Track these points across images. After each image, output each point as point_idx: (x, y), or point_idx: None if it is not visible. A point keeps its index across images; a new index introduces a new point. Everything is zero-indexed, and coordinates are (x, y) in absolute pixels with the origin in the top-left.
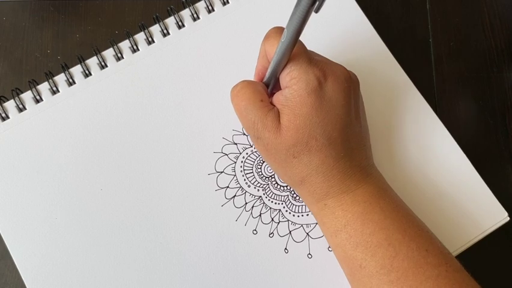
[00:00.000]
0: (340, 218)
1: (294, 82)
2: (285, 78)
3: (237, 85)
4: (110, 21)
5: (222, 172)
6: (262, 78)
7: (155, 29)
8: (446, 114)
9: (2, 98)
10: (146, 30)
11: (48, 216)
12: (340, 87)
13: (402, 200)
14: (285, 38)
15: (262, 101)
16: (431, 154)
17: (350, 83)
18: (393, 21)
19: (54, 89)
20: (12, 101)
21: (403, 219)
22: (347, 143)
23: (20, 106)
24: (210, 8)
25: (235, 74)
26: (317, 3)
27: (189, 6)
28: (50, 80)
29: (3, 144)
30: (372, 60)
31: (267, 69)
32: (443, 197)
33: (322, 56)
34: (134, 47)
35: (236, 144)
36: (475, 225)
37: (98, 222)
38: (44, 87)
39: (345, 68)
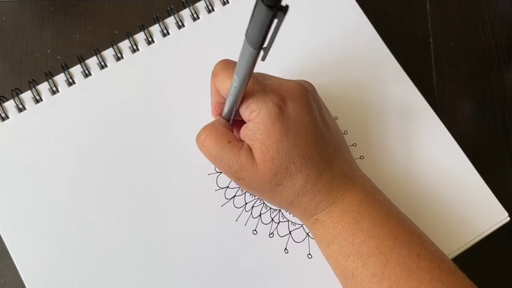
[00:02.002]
0: (330, 230)
1: (255, 115)
2: (245, 112)
3: (200, 134)
4: (110, 21)
5: (221, 172)
6: (220, 112)
7: (155, 29)
8: (446, 114)
9: (1, 98)
10: (146, 30)
11: (48, 216)
12: (301, 105)
13: (391, 202)
14: (236, 82)
15: (229, 142)
16: (431, 154)
17: (308, 96)
18: (393, 21)
19: (54, 89)
20: (12, 101)
21: (393, 225)
22: (323, 155)
23: (20, 106)
24: (210, 8)
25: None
26: (262, 53)
27: (189, 6)
28: (50, 80)
29: (3, 144)
30: (372, 60)
31: (222, 104)
32: (443, 197)
33: (274, 77)
34: (134, 47)
35: None
36: (475, 225)
37: (98, 222)
38: (43, 87)
39: (298, 83)
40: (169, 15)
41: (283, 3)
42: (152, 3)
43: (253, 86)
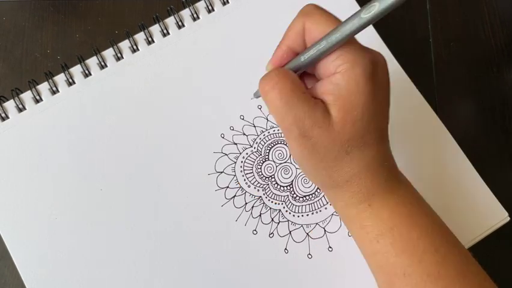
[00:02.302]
0: (386, 220)
1: (349, 66)
2: (335, 62)
3: (269, 79)
4: (110, 21)
5: (221, 172)
6: (284, 64)
7: (155, 29)
8: (446, 114)
9: (1, 98)
10: (146, 30)
11: (48, 216)
12: (387, 76)
13: None
14: (370, 13)
15: (304, 93)
16: (431, 154)
17: (388, 71)
18: (393, 21)
19: (54, 89)
20: (12, 101)
21: (443, 225)
22: (386, 137)
23: (20, 106)
24: (210, 7)
25: (235, 73)
26: None
27: (189, 6)
28: (50, 80)
29: (3, 144)
30: None
31: (293, 53)
32: (443, 197)
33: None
34: (134, 47)
35: (236, 144)
36: (475, 225)
37: (98, 222)
38: (43, 87)
39: (382, 55)
40: (169, 15)
41: None
42: (152, 3)
43: (350, 40)
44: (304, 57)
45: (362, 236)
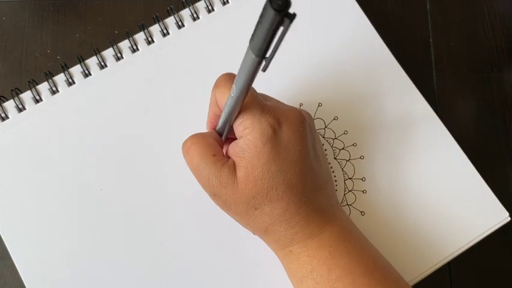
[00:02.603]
0: (306, 264)
1: (248, 132)
2: (238, 127)
3: (186, 141)
4: (110, 21)
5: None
6: (215, 126)
7: (155, 29)
8: (446, 114)
9: (1, 98)
10: (146, 30)
11: (47, 216)
12: (295, 133)
13: (367, 240)
14: (234, 92)
15: (214, 155)
16: (431, 154)
17: (304, 125)
18: (393, 21)
19: (54, 89)
20: (11, 101)
21: (369, 262)
22: (307, 187)
23: (20, 106)
24: (210, 7)
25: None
26: (264, 63)
27: (189, 6)
28: (50, 80)
29: (3, 144)
30: (372, 60)
31: (218, 117)
32: (444, 197)
33: (274, 100)
34: (134, 47)
35: None
36: (476, 225)
37: (98, 222)
38: (43, 87)
39: (298, 110)
40: (169, 15)
41: (291, 11)
42: (152, 3)
43: (252, 102)
44: (219, 122)
45: (290, 277)
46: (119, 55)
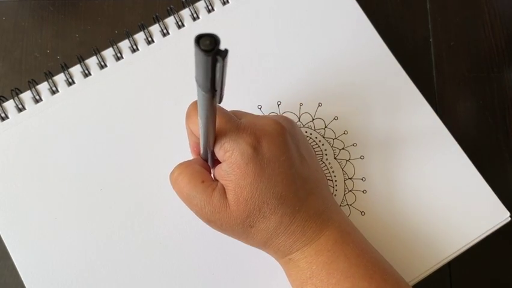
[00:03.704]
0: (305, 270)
1: (229, 155)
2: (219, 152)
3: (173, 171)
4: (109, 21)
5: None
6: (198, 152)
7: (155, 29)
8: (446, 114)
9: (1, 98)
10: (146, 30)
11: (47, 216)
12: (275, 144)
13: (367, 241)
14: (201, 124)
15: (203, 181)
16: (431, 154)
17: (284, 134)
18: (393, 21)
19: (54, 89)
20: (11, 101)
21: (369, 265)
22: (298, 194)
23: (20, 106)
24: (210, 7)
25: (235, 73)
26: (217, 96)
27: (189, 5)
28: (50, 80)
29: (3, 144)
30: (372, 60)
31: (198, 144)
32: (444, 196)
33: (249, 115)
34: (134, 46)
35: None
36: (477, 225)
37: (98, 222)
38: (43, 87)
39: (274, 121)
40: (169, 15)
41: (222, 47)
42: (152, 3)
43: (226, 125)
44: (201, 154)
45: (291, 283)
46: (119, 55)
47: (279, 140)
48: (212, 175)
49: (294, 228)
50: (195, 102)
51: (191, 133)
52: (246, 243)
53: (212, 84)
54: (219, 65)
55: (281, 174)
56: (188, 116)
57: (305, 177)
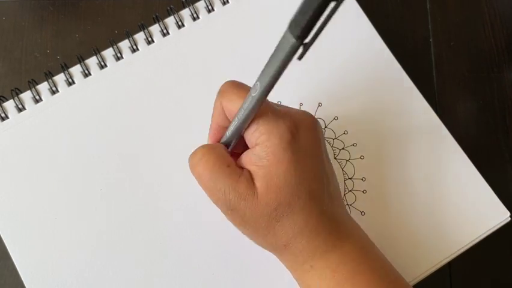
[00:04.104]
0: (328, 280)
1: (266, 138)
2: (254, 134)
3: (195, 153)
4: (109, 21)
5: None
6: (219, 138)
7: (155, 29)
8: (446, 114)
9: (1, 98)
10: (146, 30)
11: (47, 216)
12: (312, 136)
13: (384, 255)
14: (257, 92)
15: (229, 166)
16: (431, 154)
17: (318, 128)
18: (393, 21)
19: (54, 89)
20: (11, 101)
21: (392, 278)
22: (327, 193)
23: (20, 106)
24: (210, 7)
25: (235, 73)
26: (301, 49)
27: (189, 5)
28: (50, 80)
29: (3, 144)
30: (373, 60)
31: (223, 129)
32: (444, 196)
33: (284, 106)
34: (134, 46)
35: None
36: (476, 224)
37: (98, 222)
38: (43, 87)
39: (310, 114)
40: (169, 15)
41: None
42: (152, 3)
43: (266, 108)
44: (227, 133)
45: None
46: (119, 55)
47: (315, 133)
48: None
49: (320, 230)
50: (233, 81)
51: (220, 113)
52: (262, 243)
53: (308, 28)
54: (331, 7)
55: (314, 168)
56: (225, 92)
57: (330, 179)
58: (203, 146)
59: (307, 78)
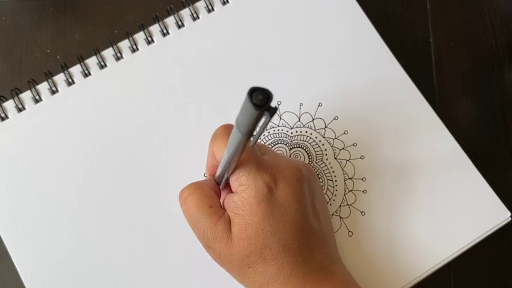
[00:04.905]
0: None
1: (243, 189)
2: (234, 183)
3: (184, 190)
4: (109, 21)
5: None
6: (214, 173)
7: (155, 29)
8: (446, 114)
9: (1, 97)
10: (145, 30)
11: (47, 216)
12: (292, 191)
13: None
14: (225, 156)
15: (211, 207)
16: (431, 154)
17: (302, 182)
18: (393, 21)
19: (54, 89)
20: (11, 100)
21: None
22: (304, 246)
23: (20, 106)
24: (210, 7)
25: (235, 73)
26: (253, 141)
27: (189, 5)
28: (50, 80)
29: (3, 144)
30: (373, 60)
31: (216, 166)
32: (445, 197)
33: (273, 153)
34: (134, 46)
35: None
36: (477, 224)
37: (98, 222)
38: (43, 87)
39: (296, 166)
40: (169, 15)
41: (272, 104)
42: (152, 3)
43: (249, 159)
44: (217, 172)
45: None
46: (119, 55)
47: (296, 187)
48: (221, 200)
49: (293, 279)
50: (224, 127)
51: (212, 155)
52: (241, 282)
53: (251, 131)
54: (264, 119)
55: (290, 222)
56: (215, 138)
57: (314, 230)
58: (191, 184)
59: (307, 78)
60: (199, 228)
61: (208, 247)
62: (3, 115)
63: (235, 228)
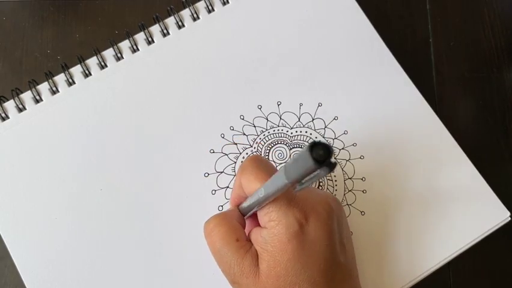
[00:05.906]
0: None
1: (273, 225)
2: (264, 218)
3: (209, 221)
4: (110, 21)
5: (222, 172)
6: (238, 204)
7: (155, 29)
8: (446, 114)
9: (1, 98)
10: (146, 30)
11: (47, 216)
12: (323, 227)
13: None
14: (262, 195)
15: (238, 240)
16: (431, 154)
17: (333, 218)
18: (393, 21)
19: (54, 89)
20: (12, 101)
21: None
22: (331, 283)
23: (20, 106)
24: (210, 8)
25: (235, 74)
26: (298, 186)
27: (189, 6)
28: (50, 80)
29: (3, 144)
30: (372, 60)
31: (242, 198)
32: (444, 196)
33: (306, 189)
34: (134, 47)
35: (236, 144)
36: (476, 224)
37: (98, 222)
38: (43, 87)
39: (327, 202)
40: (169, 15)
41: (332, 160)
42: (152, 3)
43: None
44: (244, 205)
45: None
46: (119, 55)
47: (326, 223)
48: (246, 231)
49: None
50: (253, 160)
51: (239, 187)
52: None
53: (300, 181)
54: (319, 171)
55: (319, 259)
56: (243, 170)
57: (341, 265)
58: (217, 216)
59: (307, 78)
60: (225, 263)
61: (234, 282)
62: (3, 115)
63: (263, 265)
